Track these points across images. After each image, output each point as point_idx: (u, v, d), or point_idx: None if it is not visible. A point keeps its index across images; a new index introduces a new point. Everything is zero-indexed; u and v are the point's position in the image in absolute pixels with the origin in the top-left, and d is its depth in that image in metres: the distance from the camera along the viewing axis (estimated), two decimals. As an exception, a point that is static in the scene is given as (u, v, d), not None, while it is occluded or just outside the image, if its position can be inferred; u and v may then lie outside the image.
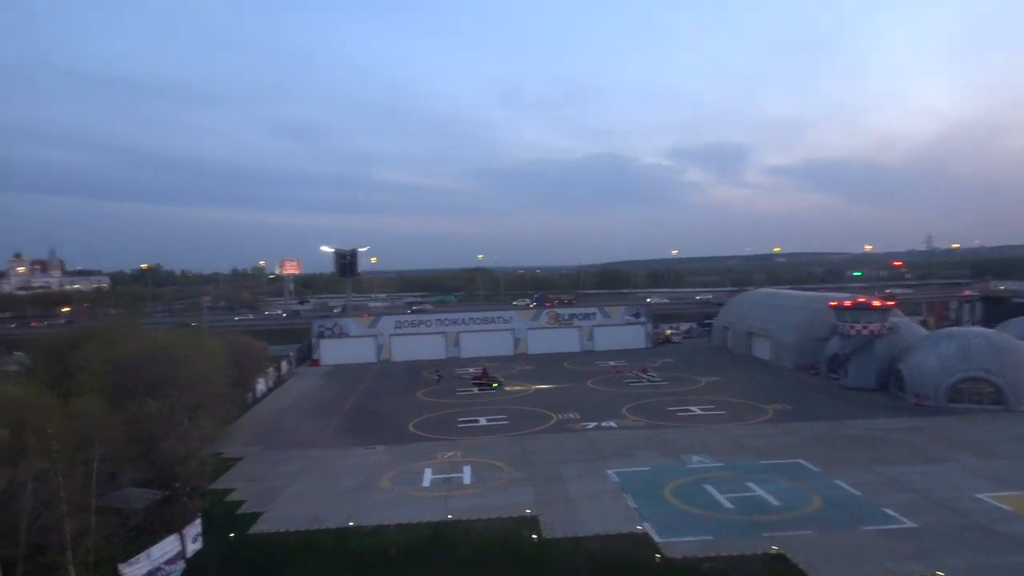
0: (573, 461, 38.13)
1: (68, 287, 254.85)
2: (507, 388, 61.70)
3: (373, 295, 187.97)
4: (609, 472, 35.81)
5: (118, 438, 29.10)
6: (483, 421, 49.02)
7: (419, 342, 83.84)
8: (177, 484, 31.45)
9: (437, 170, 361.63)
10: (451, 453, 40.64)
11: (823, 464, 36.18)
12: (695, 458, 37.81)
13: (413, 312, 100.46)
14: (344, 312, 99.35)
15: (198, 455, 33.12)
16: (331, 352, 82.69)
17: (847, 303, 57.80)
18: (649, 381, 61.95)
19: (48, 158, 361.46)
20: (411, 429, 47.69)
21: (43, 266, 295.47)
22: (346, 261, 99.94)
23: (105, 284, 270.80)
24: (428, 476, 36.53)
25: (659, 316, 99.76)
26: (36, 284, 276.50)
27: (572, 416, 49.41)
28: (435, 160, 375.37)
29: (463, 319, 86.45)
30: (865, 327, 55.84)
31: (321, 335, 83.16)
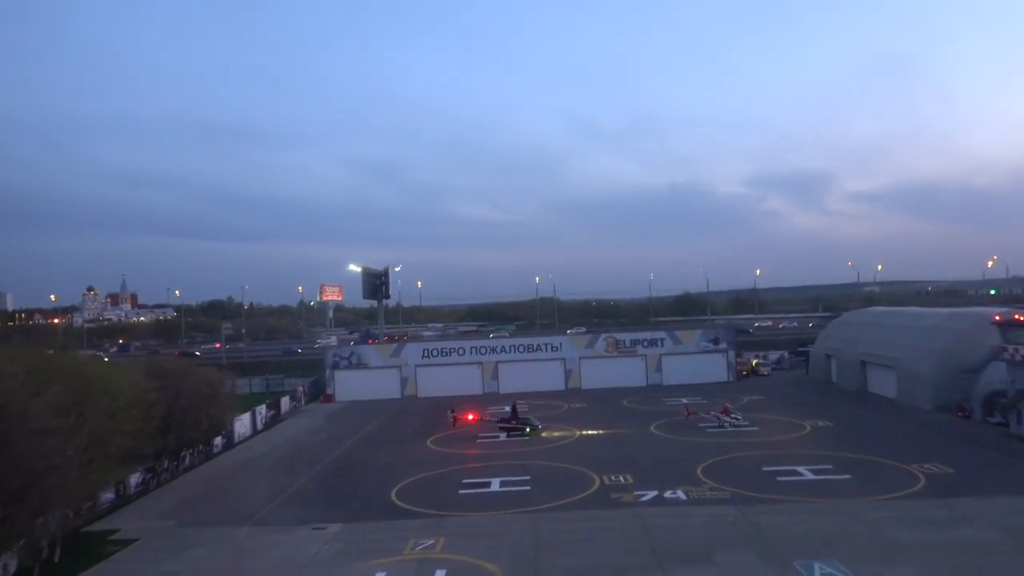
0: (611, 567, 23.39)
1: (133, 319, 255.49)
2: (543, 434, 47.28)
3: (429, 325, 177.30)
4: (670, 595, 20.97)
5: None
6: (495, 485, 34.72)
7: (450, 374, 70.27)
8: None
9: (510, 203, 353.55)
10: (427, 543, 26.49)
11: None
12: (819, 569, 22.41)
13: (442, 338, 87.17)
14: (363, 340, 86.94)
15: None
16: (347, 386, 70.08)
17: (1019, 317, 40.90)
18: (732, 426, 46.31)
19: (142, 199, 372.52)
20: (393, 497, 33.81)
21: (114, 300, 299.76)
22: (378, 283, 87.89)
23: (169, 316, 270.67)
24: (373, 590, 22.65)
25: (743, 345, 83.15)
26: (107, 316, 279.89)
27: (623, 480, 34.51)
28: (508, 193, 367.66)
29: (503, 346, 72.49)
30: (1049, 352, 38.94)
31: (336, 366, 70.75)
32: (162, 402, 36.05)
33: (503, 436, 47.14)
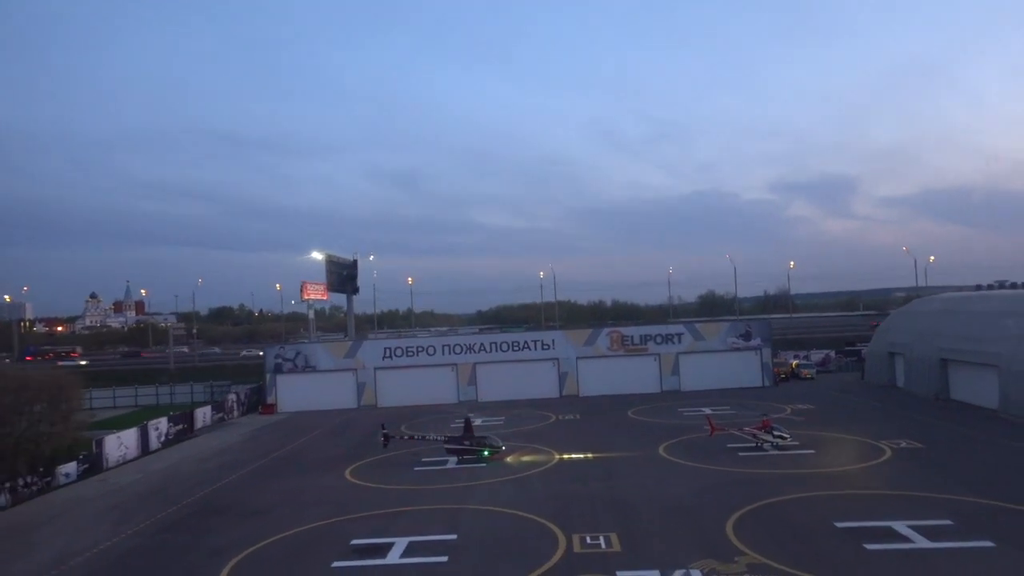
0: None
1: (131, 326, 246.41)
2: (509, 458, 33.81)
3: (431, 328, 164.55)
4: None
5: None
6: (396, 553, 21.25)
7: (417, 379, 57.01)
8: None
9: (532, 211, 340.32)
10: None
11: None
12: None
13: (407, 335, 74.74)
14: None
15: None
16: (292, 393, 57.10)
17: None
18: (776, 447, 32.47)
19: (169, 211, 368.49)
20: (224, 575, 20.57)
21: (118, 307, 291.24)
22: (345, 274, 75.03)
23: (167, 323, 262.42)
24: None
25: (778, 343, 68.91)
26: (108, 323, 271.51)
27: (603, 545, 20.94)
28: (530, 201, 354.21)
29: (483, 344, 58.91)
30: None
31: (278, 369, 57.74)
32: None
33: (452, 461, 33.75)
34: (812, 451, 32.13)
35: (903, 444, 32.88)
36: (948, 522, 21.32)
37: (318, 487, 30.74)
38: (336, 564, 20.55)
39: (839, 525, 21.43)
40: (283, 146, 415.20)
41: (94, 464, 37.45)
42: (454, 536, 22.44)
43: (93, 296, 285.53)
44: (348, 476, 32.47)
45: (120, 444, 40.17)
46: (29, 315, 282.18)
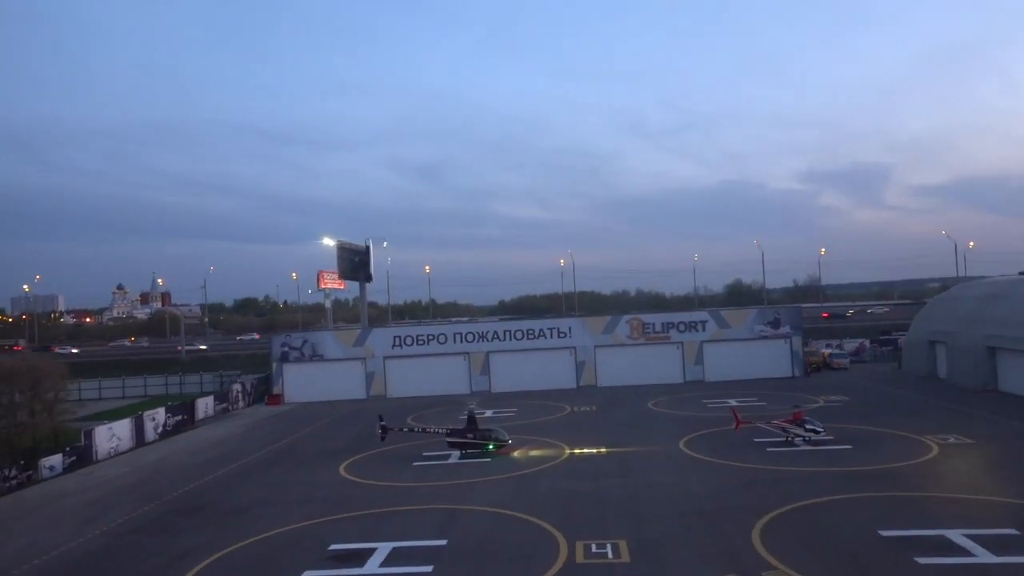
0: None
1: (148, 316, 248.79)
2: (516, 453, 31.31)
3: (453, 320, 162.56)
4: None
5: None
6: (375, 562, 18.81)
7: (428, 368, 54.77)
8: None
9: (557, 202, 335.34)
10: None
11: None
12: None
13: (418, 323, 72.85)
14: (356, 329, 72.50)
15: None
16: (298, 383, 55.17)
17: None
18: (809, 442, 29.55)
19: (199, 205, 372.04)
20: (180, 582, 18.34)
21: (144, 299, 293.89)
22: (357, 261, 72.87)
23: (189, 311, 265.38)
24: None
25: (810, 333, 65.39)
26: (135, 315, 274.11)
27: (610, 554, 18.31)
28: (555, 192, 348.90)
29: (496, 332, 56.42)
30: None
31: (284, 358, 55.80)
32: None
33: (455, 456, 31.35)
34: (849, 447, 29.15)
35: (951, 440, 29.75)
36: (1013, 531, 18.35)
37: (307, 483, 28.51)
38: (307, 574, 18.19)
39: (884, 534, 18.57)
40: (310, 140, 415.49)
41: (82, 456, 35.68)
42: (443, 542, 19.98)
43: (120, 288, 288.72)
44: (342, 471, 30.21)
45: (112, 436, 38.39)
46: (61, 307, 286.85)
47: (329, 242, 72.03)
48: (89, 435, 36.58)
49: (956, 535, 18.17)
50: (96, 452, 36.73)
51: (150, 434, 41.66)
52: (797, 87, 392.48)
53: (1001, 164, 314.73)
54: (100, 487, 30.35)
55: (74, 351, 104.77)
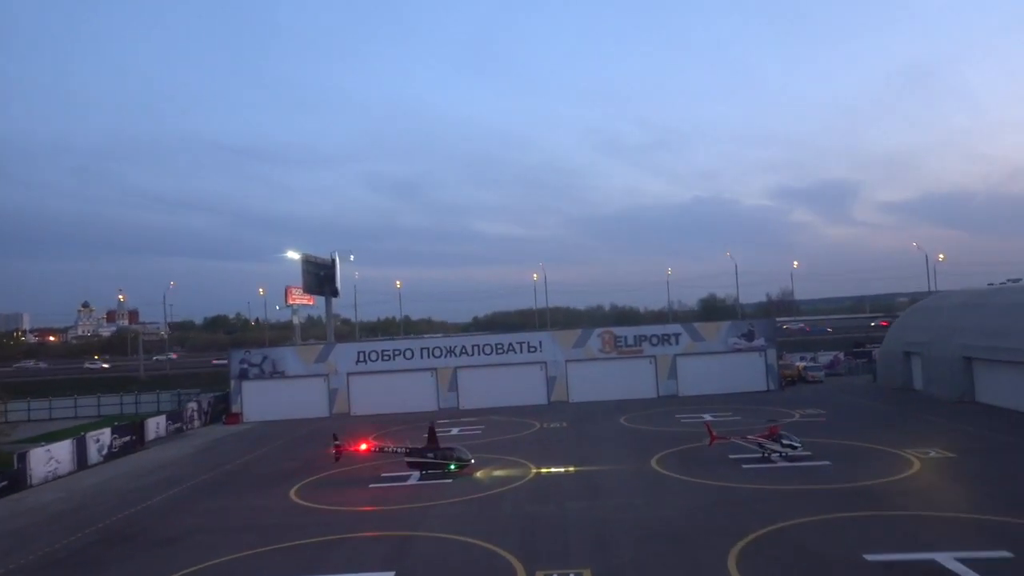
0: None
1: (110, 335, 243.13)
2: (479, 473, 29.51)
3: (425, 336, 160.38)
4: None
5: None
6: (311, 597, 16.98)
7: (393, 384, 52.75)
8: None
9: (532, 218, 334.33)
10: None
11: None
12: None
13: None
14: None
15: None
16: (258, 401, 52.84)
17: None
18: (786, 458, 28.15)
19: (172, 223, 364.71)
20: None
21: (110, 316, 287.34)
22: (322, 275, 70.77)
23: (156, 330, 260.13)
24: None
25: (783, 345, 64.42)
26: (102, 333, 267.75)
27: (573, 585, 16.66)
28: (530, 208, 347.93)
29: (464, 347, 54.63)
30: None
31: (243, 375, 53.46)
32: None
33: (414, 477, 29.47)
34: (827, 463, 27.78)
35: (932, 454, 28.55)
36: (1006, 554, 16.98)
37: (252, 508, 26.45)
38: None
39: (869, 558, 17.10)
40: (283, 156, 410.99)
41: (15, 481, 33.16)
42: (391, 574, 18.13)
43: (85, 305, 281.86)
44: (292, 495, 28.16)
45: (50, 459, 35.83)
46: (26, 325, 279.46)
47: (294, 256, 69.86)
48: (23, 458, 34.07)
49: (947, 559, 16.75)
50: (31, 477, 34.18)
51: (94, 456, 39.12)
52: (767, 106, 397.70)
53: (965, 181, 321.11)
54: (27, 515, 27.96)
55: (42, 365, 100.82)
